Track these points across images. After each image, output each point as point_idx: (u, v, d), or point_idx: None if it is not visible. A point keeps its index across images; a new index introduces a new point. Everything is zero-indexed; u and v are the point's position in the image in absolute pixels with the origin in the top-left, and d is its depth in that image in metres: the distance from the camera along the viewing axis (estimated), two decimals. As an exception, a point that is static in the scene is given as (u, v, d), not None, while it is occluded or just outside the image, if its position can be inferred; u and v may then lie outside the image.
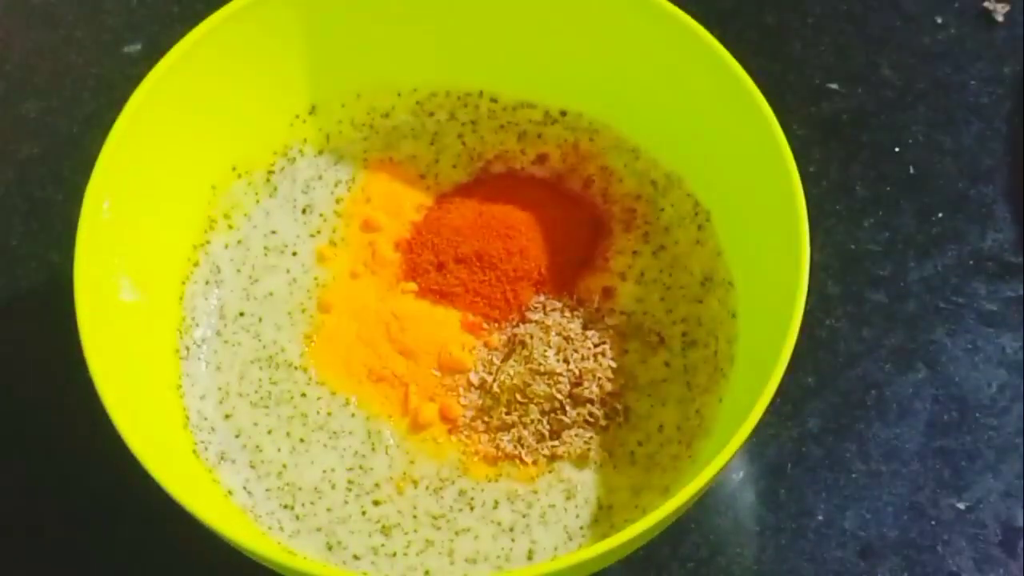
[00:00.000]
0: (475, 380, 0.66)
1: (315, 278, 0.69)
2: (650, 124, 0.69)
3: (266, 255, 0.69)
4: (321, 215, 0.71)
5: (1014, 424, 0.69)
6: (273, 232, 0.70)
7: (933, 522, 0.67)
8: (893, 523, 0.67)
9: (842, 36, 0.82)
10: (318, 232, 0.70)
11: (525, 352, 0.65)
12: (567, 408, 0.64)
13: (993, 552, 0.66)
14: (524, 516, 0.63)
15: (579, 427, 0.64)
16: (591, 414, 0.64)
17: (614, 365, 0.65)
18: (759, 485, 0.68)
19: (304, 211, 0.71)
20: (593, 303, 0.68)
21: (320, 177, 0.71)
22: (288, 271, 0.69)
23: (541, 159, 0.72)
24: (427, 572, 0.61)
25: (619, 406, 0.65)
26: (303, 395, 0.66)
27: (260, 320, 0.68)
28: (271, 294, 0.68)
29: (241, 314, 0.68)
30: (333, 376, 0.66)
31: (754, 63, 0.63)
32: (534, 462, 0.64)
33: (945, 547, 0.66)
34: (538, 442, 0.64)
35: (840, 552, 0.66)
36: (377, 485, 0.63)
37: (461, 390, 0.66)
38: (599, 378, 0.65)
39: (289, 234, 0.70)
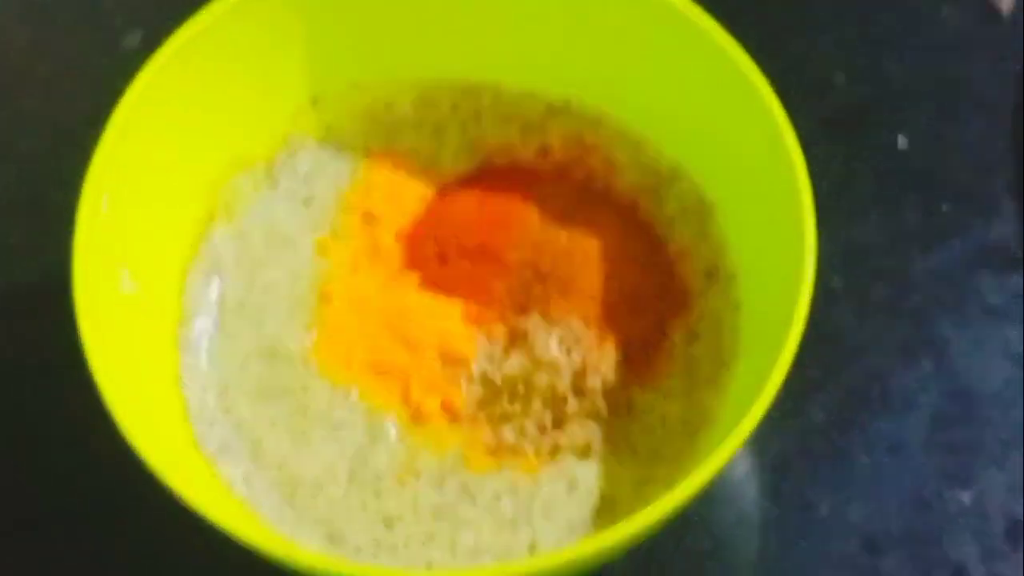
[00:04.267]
0: (477, 372, 0.65)
1: (316, 270, 0.69)
2: (654, 116, 0.69)
3: (266, 247, 0.69)
4: (322, 206, 0.70)
5: (1019, 417, 0.69)
6: (273, 224, 0.70)
7: (938, 515, 0.67)
8: (897, 516, 0.67)
9: (845, 31, 0.82)
10: (319, 224, 0.70)
11: (528, 343, 0.65)
12: (570, 399, 0.64)
13: (998, 545, 0.66)
14: (526, 508, 0.62)
15: (582, 419, 0.64)
16: (594, 406, 0.64)
17: (618, 357, 0.65)
18: (763, 478, 0.68)
19: (305, 203, 0.70)
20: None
21: (321, 169, 0.71)
22: (289, 263, 0.69)
23: (544, 151, 0.72)
24: (429, 564, 0.61)
25: (622, 398, 0.65)
26: (304, 387, 0.65)
27: (261, 312, 0.67)
28: (272, 286, 0.68)
29: (241, 306, 0.68)
30: (334, 368, 0.66)
31: (757, 56, 0.63)
32: (536, 454, 0.63)
33: (950, 540, 0.66)
34: (540, 433, 0.64)
35: (844, 545, 0.66)
36: (378, 477, 0.63)
37: (463, 382, 0.65)
38: (602, 370, 0.64)
39: (290, 226, 0.70)
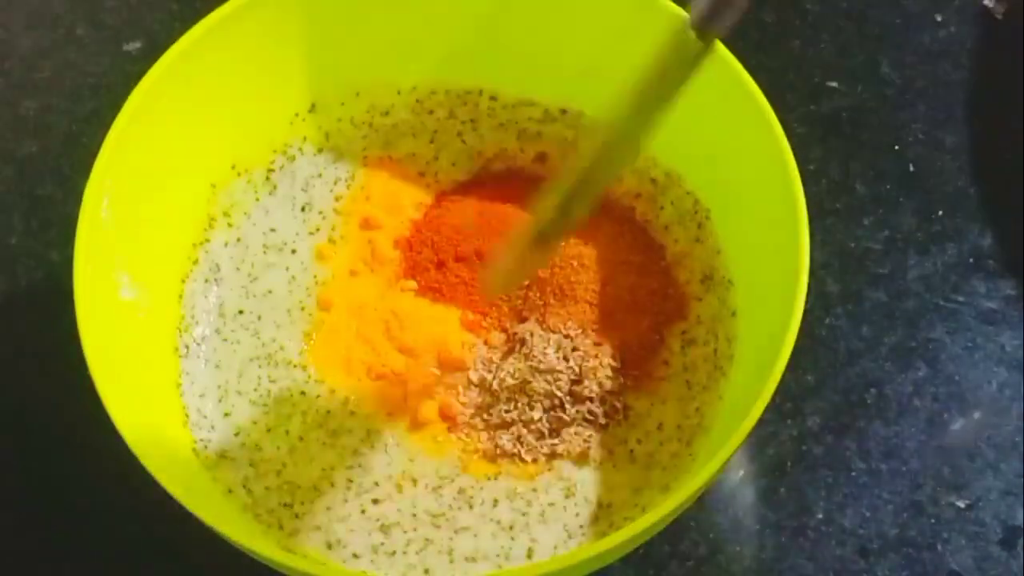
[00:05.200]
0: (475, 378, 0.66)
1: (314, 276, 0.69)
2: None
3: (265, 253, 0.69)
4: (320, 213, 0.71)
5: (1014, 422, 0.69)
6: (272, 230, 0.70)
7: (933, 520, 0.67)
8: (893, 521, 0.67)
9: (842, 34, 0.82)
10: (317, 230, 0.70)
11: (525, 350, 0.65)
12: (567, 406, 0.64)
13: (993, 550, 0.66)
14: (524, 514, 0.63)
15: (579, 425, 0.64)
16: (591, 412, 0.64)
17: (614, 364, 0.65)
18: (759, 483, 0.68)
19: (303, 209, 0.71)
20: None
21: (319, 175, 0.71)
22: (287, 269, 0.69)
23: (541, 158, 0.72)
24: (427, 571, 0.61)
25: (619, 404, 0.65)
26: (302, 393, 0.66)
27: (259, 318, 0.68)
28: (270, 292, 0.68)
29: (240, 312, 0.68)
30: (332, 374, 0.66)
31: (754, 61, 0.63)
32: (533, 460, 0.64)
33: (945, 545, 0.66)
34: (537, 440, 0.64)
35: (840, 550, 0.66)
36: (376, 484, 0.63)
37: (461, 388, 0.65)
38: (599, 376, 0.65)
39: (288, 232, 0.70)
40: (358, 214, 0.71)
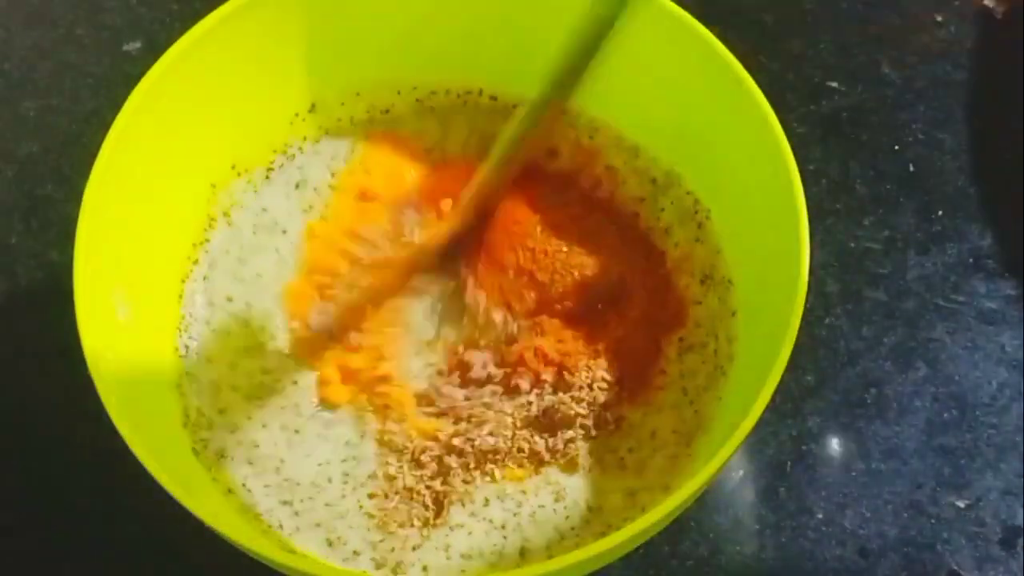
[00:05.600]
0: (465, 375, 0.65)
1: (305, 255, 0.69)
2: (650, 122, 0.69)
3: (255, 234, 0.69)
4: (315, 189, 0.70)
5: (1014, 422, 0.69)
6: (264, 210, 0.70)
7: (933, 520, 0.67)
8: (893, 521, 0.67)
9: (842, 34, 0.82)
10: (310, 208, 0.70)
11: (515, 350, 0.65)
12: (556, 415, 0.64)
13: (993, 550, 0.66)
14: (515, 515, 0.62)
15: (568, 434, 0.64)
16: (581, 425, 0.64)
17: (608, 376, 0.65)
18: (759, 483, 0.68)
19: (297, 186, 0.70)
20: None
21: (317, 153, 0.71)
22: (277, 250, 0.69)
23: (552, 154, 0.72)
24: (425, 568, 0.61)
25: (609, 416, 0.64)
26: (294, 383, 0.66)
27: (248, 306, 0.67)
28: (259, 276, 0.68)
29: (229, 299, 0.67)
30: (322, 360, 0.66)
31: (754, 61, 0.63)
32: (519, 466, 0.63)
33: (945, 545, 0.66)
34: (526, 446, 0.63)
35: (840, 550, 0.66)
36: (371, 477, 0.63)
37: (447, 382, 0.65)
38: (594, 389, 0.64)
39: (280, 211, 0.70)
40: (355, 187, 0.70)
